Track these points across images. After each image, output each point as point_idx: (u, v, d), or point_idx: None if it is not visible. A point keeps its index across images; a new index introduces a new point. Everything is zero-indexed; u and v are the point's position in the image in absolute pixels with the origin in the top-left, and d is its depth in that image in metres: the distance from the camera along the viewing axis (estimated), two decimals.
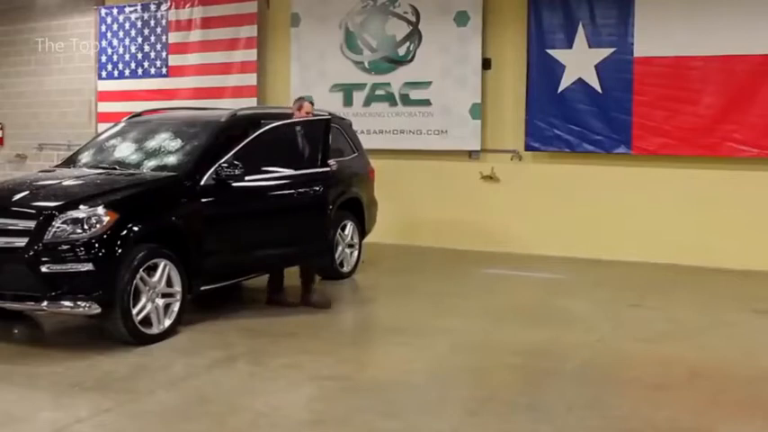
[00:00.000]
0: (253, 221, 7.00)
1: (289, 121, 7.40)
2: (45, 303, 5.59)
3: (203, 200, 6.44)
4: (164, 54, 12.06)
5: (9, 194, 6.05)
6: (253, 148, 7.24)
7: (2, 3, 13.36)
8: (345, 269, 8.35)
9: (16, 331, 6.45)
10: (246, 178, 6.71)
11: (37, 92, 13.26)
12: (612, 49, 9.30)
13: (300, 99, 7.65)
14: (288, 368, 5.38)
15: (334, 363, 5.51)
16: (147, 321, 5.85)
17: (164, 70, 12.06)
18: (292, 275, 7.24)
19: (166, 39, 12.02)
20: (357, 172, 8.60)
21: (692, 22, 8.95)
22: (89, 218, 5.64)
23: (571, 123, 9.55)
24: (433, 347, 5.89)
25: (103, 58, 12.58)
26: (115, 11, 12.46)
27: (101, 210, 5.69)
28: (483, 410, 4.63)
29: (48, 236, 5.56)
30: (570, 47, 9.51)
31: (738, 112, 8.82)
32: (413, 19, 10.44)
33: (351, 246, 8.46)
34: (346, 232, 8.35)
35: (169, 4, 11.96)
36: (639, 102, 9.21)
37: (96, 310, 5.59)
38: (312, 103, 7.59)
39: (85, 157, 7.27)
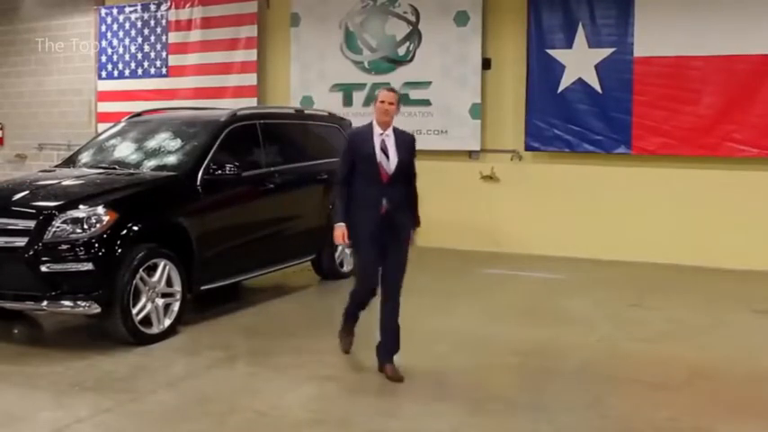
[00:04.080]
0: (252, 220, 7.03)
1: (288, 121, 7.41)
2: (45, 303, 5.59)
3: (203, 199, 6.44)
4: (164, 54, 12.05)
5: (9, 194, 6.05)
6: (251, 146, 7.27)
7: (2, 3, 13.36)
8: (345, 269, 8.33)
9: (16, 331, 6.45)
10: (245, 176, 6.77)
11: (37, 92, 13.26)
12: (612, 49, 9.30)
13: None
14: (288, 368, 5.38)
15: (334, 363, 5.51)
16: (146, 321, 5.85)
17: (164, 70, 12.06)
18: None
19: (166, 39, 12.02)
20: None
21: (692, 22, 8.95)
22: (89, 217, 5.64)
23: (571, 123, 9.55)
24: (433, 347, 5.89)
25: (103, 58, 12.57)
26: (115, 11, 12.46)
27: (100, 209, 5.69)
28: (483, 410, 4.62)
29: (47, 235, 5.56)
30: (570, 47, 9.51)
31: (738, 112, 8.82)
32: (413, 19, 10.43)
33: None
34: None
35: (169, 4, 11.96)
36: (639, 102, 9.21)
37: (96, 309, 5.59)
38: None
39: (85, 157, 7.28)
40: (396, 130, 5.22)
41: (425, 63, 10.34)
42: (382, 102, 5.17)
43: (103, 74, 12.59)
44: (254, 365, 5.47)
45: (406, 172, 5.20)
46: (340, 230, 5.15)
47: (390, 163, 5.11)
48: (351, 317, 5.58)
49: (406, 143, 5.24)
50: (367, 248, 5.15)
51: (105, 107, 12.50)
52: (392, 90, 5.35)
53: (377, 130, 5.17)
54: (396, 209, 5.12)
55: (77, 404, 4.71)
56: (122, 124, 7.74)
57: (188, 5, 11.80)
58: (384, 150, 5.13)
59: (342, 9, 10.82)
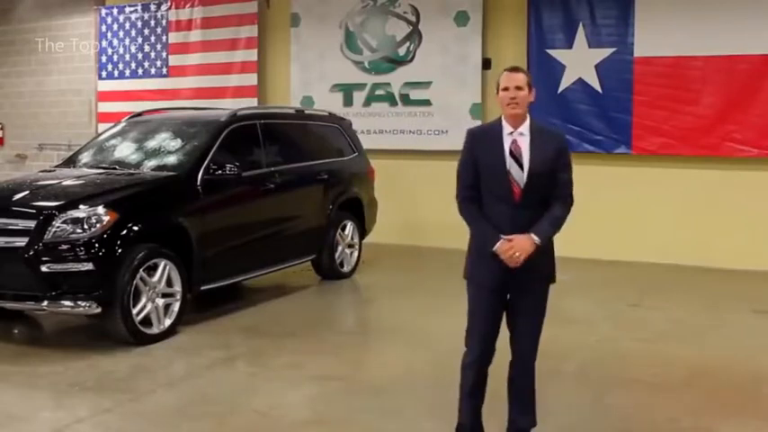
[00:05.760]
0: (253, 220, 7.04)
1: (288, 121, 7.41)
2: (45, 303, 5.59)
3: (203, 199, 6.45)
4: (164, 54, 12.05)
5: (9, 194, 6.06)
6: (252, 146, 7.28)
7: (2, 3, 13.36)
8: (345, 269, 8.35)
9: (16, 331, 6.45)
10: (245, 176, 6.78)
11: (37, 92, 13.25)
12: (612, 49, 9.29)
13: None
14: (288, 368, 5.38)
15: (334, 363, 5.51)
16: (147, 321, 5.85)
17: (164, 70, 12.06)
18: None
19: (166, 39, 12.02)
20: (357, 172, 8.61)
21: (692, 22, 8.94)
22: (89, 217, 5.64)
23: (571, 123, 9.54)
24: (433, 347, 5.88)
25: (103, 59, 12.57)
26: (115, 11, 12.46)
27: (101, 209, 5.70)
28: (483, 410, 4.61)
29: (48, 235, 5.56)
30: (570, 47, 9.51)
31: (738, 112, 8.81)
32: (413, 19, 10.43)
33: (351, 246, 8.46)
34: (346, 232, 8.35)
35: (169, 4, 11.96)
36: (639, 102, 9.20)
37: (96, 309, 5.59)
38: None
39: (86, 157, 7.28)
40: (536, 127, 3.74)
41: (425, 63, 10.34)
42: (506, 89, 3.67)
43: (104, 74, 12.58)
44: (254, 365, 5.47)
45: (546, 186, 3.73)
46: (508, 250, 3.73)
47: (524, 172, 3.67)
48: (465, 408, 4.00)
49: (549, 145, 3.72)
50: (485, 301, 3.85)
51: (105, 107, 12.50)
52: (517, 69, 3.77)
53: (506, 128, 3.72)
54: None
55: (77, 404, 4.71)
56: (122, 124, 7.74)
57: (188, 5, 11.80)
58: (515, 155, 3.68)
59: (342, 9, 10.82)
